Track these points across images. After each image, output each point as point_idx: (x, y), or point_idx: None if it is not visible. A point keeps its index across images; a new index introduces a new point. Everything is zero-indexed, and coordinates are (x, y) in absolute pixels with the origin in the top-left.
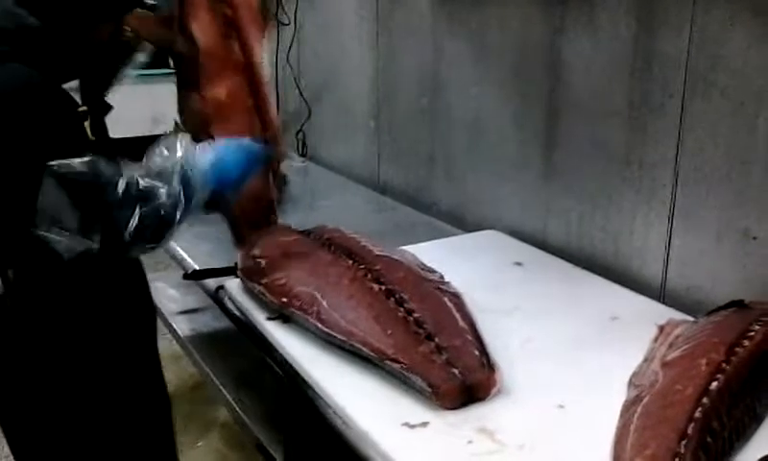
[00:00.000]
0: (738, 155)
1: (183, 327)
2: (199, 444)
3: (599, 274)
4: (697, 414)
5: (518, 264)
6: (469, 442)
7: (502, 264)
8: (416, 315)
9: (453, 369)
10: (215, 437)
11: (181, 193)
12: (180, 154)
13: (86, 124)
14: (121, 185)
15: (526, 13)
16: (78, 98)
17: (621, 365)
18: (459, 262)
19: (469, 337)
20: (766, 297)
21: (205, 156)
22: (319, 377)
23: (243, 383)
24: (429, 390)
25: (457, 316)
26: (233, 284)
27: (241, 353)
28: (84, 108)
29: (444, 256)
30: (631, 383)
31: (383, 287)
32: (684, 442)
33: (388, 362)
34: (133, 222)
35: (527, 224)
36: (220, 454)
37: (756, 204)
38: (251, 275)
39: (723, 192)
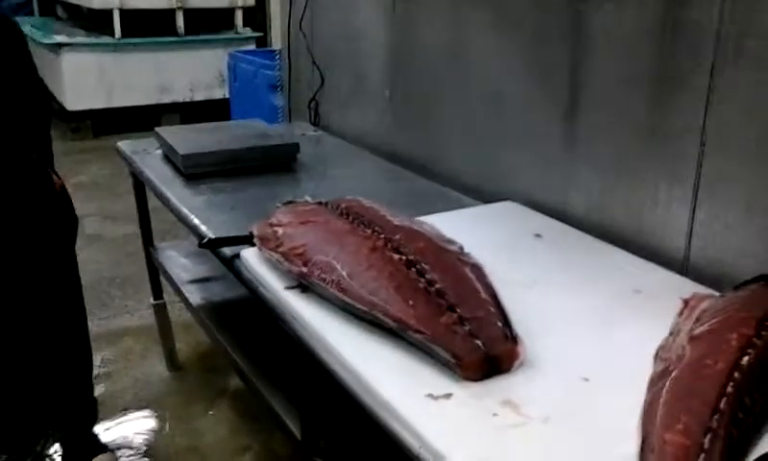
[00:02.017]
0: (765, 127)
1: (195, 295)
2: (210, 412)
3: (621, 246)
4: (729, 389)
5: (538, 236)
6: (494, 414)
7: (521, 235)
8: (437, 286)
9: (476, 340)
10: (226, 406)
11: None
12: None
13: None
14: None
15: None
16: None
17: (646, 338)
18: (477, 233)
19: (492, 309)
20: None
21: None
22: (339, 348)
23: (257, 352)
24: (453, 361)
25: (479, 287)
26: (250, 253)
27: (255, 323)
28: None
29: (461, 227)
30: (657, 357)
31: (403, 257)
32: (716, 416)
33: (410, 333)
34: None
35: (547, 195)
36: (232, 423)
37: None
38: (267, 243)
39: (752, 164)
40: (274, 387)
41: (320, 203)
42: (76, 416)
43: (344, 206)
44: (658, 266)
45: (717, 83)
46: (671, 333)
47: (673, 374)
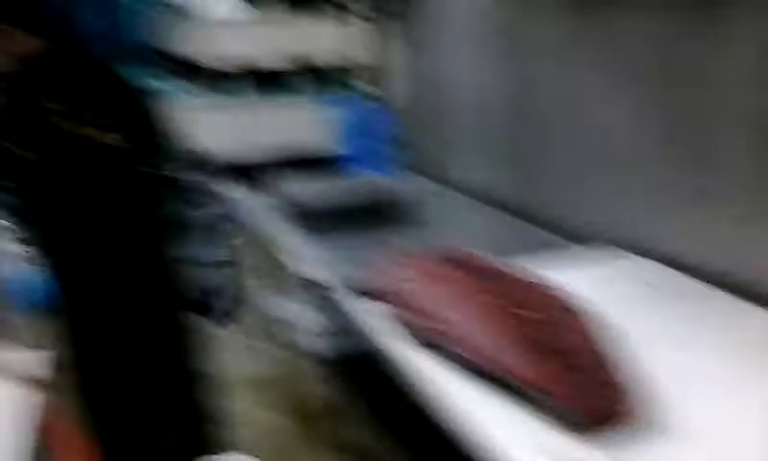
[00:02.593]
0: None
1: (316, 346)
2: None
3: (746, 299)
4: None
5: (653, 287)
6: None
7: (633, 286)
8: (560, 344)
9: (598, 398)
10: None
11: None
12: None
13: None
14: None
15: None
16: None
17: None
18: (594, 286)
19: (613, 366)
20: None
21: None
22: (458, 403)
23: (378, 408)
24: (574, 418)
25: (599, 344)
26: (373, 307)
27: (376, 377)
28: None
29: (579, 279)
30: None
31: (522, 313)
32: None
33: (533, 391)
34: None
35: (662, 244)
36: None
37: None
38: (390, 296)
39: None
40: (388, 440)
41: (438, 256)
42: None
43: (463, 259)
44: None
45: None
46: None
47: None
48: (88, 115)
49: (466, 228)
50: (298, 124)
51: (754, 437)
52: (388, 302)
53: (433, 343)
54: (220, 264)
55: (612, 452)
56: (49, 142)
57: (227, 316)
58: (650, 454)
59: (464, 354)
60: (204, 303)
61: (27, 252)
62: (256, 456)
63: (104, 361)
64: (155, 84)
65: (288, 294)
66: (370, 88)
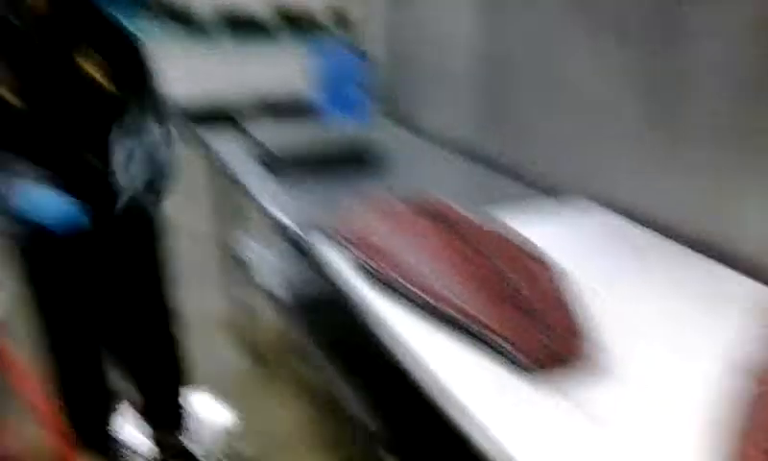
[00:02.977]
0: None
1: (280, 288)
2: (288, 404)
3: (706, 254)
4: None
5: (619, 239)
6: (563, 413)
7: (597, 237)
8: (514, 285)
9: (548, 339)
10: (305, 399)
11: None
12: None
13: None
14: None
15: None
16: None
17: (725, 349)
18: (556, 234)
19: (564, 307)
20: None
21: None
22: (412, 340)
23: (336, 348)
24: (524, 358)
25: (555, 288)
26: (330, 247)
27: (336, 317)
28: None
29: (541, 228)
30: (750, 375)
31: (478, 255)
32: None
33: (485, 329)
34: None
35: (632, 199)
36: (308, 417)
37: None
38: (349, 238)
39: None
40: (347, 380)
41: (402, 200)
42: (163, 376)
43: (426, 204)
44: (747, 277)
45: None
46: (757, 347)
47: (761, 392)
48: (91, 54)
49: (435, 176)
50: (274, 70)
51: (693, 381)
52: (352, 245)
53: (393, 285)
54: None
55: (559, 392)
56: (70, 81)
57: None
58: (596, 394)
59: (422, 296)
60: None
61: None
62: (219, 395)
63: (65, 297)
64: (138, 26)
65: (257, 236)
66: (346, 37)
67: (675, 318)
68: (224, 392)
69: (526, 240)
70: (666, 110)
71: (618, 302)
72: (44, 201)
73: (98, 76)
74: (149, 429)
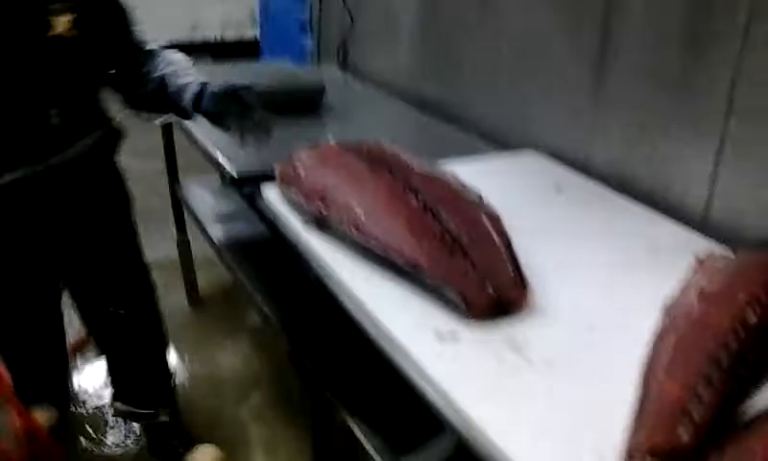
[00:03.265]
0: None
1: (217, 232)
2: (227, 345)
3: (642, 201)
4: (732, 345)
5: (556, 186)
6: (500, 356)
7: (540, 186)
8: (452, 230)
9: (486, 284)
10: (243, 340)
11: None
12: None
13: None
14: None
15: None
16: None
17: (656, 293)
18: (497, 182)
19: (504, 255)
20: None
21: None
22: (352, 285)
23: (276, 290)
24: (462, 303)
25: (493, 234)
26: (271, 191)
27: (274, 260)
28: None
29: (481, 175)
30: (665, 312)
31: (421, 201)
32: (715, 370)
33: (422, 274)
34: None
35: (571, 147)
36: (247, 357)
37: None
38: (289, 181)
39: None
40: (287, 322)
41: (342, 145)
42: (156, 398)
43: (366, 149)
44: (676, 223)
45: (750, 40)
46: (682, 290)
47: (679, 328)
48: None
49: (382, 123)
50: (216, 10)
51: (628, 324)
52: (290, 186)
53: (328, 224)
54: None
55: (485, 331)
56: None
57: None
58: (520, 334)
59: (355, 235)
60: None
61: None
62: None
63: None
64: None
65: (203, 181)
66: None
67: (610, 263)
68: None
69: (467, 186)
70: (599, 61)
71: (553, 247)
72: None
73: (65, 28)
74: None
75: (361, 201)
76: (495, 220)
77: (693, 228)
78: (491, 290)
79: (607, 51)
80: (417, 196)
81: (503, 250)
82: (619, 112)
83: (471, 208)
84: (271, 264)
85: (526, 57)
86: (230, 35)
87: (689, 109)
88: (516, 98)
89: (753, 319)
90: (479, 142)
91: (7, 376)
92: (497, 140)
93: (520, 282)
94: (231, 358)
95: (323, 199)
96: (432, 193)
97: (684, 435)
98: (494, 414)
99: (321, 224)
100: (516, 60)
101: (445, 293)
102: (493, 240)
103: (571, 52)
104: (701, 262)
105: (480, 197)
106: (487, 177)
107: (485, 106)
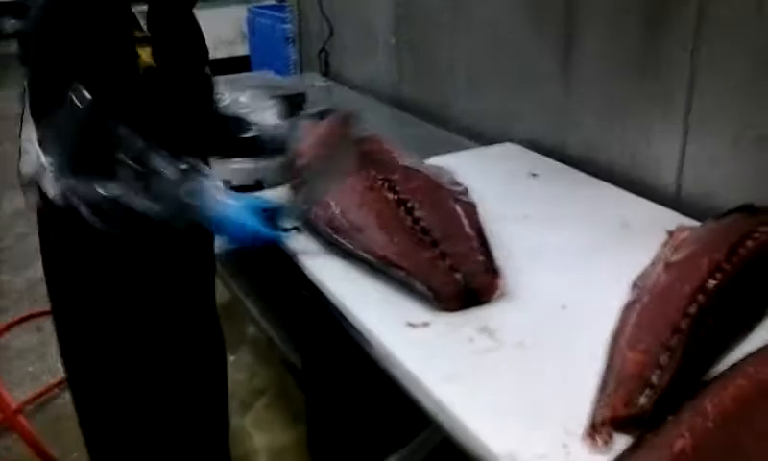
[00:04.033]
0: (755, 59)
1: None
2: (231, 359)
3: (616, 184)
4: (691, 310)
5: (534, 175)
6: (470, 340)
7: (518, 175)
8: (422, 223)
9: (456, 274)
10: (245, 352)
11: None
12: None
13: (146, 50)
14: None
15: None
16: (143, 23)
17: (628, 270)
18: (475, 173)
19: (475, 244)
20: None
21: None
22: (327, 283)
23: (270, 300)
24: (431, 294)
25: (465, 223)
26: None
27: (269, 269)
28: (146, 33)
29: (460, 169)
30: (634, 285)
31: (396, 196)
32: (676, 336)
33: (392, 268)
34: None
35: (546, 136)
36: (250, 369)
37: None
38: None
39: (738, 98)
40: (278, 326)
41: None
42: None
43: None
44: (649, 201)
45: (705, 19)
46: (652, 263)
47: (644, 299)
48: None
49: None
50: (209, 34)
51: (601, 302)
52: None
53: (310, 224)
54: None
55: (456, 319)
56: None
57: None
58: (491, 318)
59: (329, 232)
60: None
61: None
62: None
63: None
64: None
65: None
66: None
67: (584, 244)
68: None
69: (450, 178)
70: (566, 49)
71: (528, 231)
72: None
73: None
74: None
75: (338, 199)
76: (471, 210)
77: (667, 206)
78: (459, 280)
79: (572, 40)
80: (393, 191)
81: (475, 239)
82: (589, 98)
83: (446, 200)
84: (266, 274)
85: (498, 53)
86: (222, 53)
87: (655, 90)
88: (491, 94)
89: (712, 283)
90: (459, 139)
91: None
92: (477, 136)
93: (491, 269)
94: (234, 371)
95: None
96: (409, 187)
97: (645, 403)
98: (460, 392)
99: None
100: (488, 57)
101: (415, 285)
102: (465, 230)
103: (539, 43)
104: (671, 235)
105: (459, 188)
106: (466, 170)
107: (462, 103)
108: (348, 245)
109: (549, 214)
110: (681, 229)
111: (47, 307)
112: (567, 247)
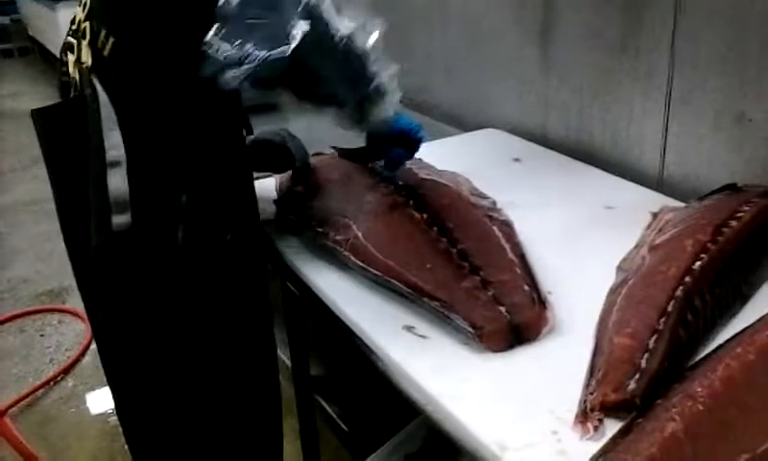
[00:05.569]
0: (735, 36)
1: None
2: None
3: (599, 166)
4: (678, 292)
5: (516, 160)
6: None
7: (500, 160)
8: (460, 246)
9: (499, 307)
10: None
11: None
12: None
13: None
14: None
15: None
16: None
17: (612, 252)
18: (457, 160)
19: (519, 271)
20: (762, 180)
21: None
22: (327, 290)
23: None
24: (472, 330)
25: (506, 247)
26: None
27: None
28: None
29: (442, 156)
30: (619, 269)
31: (425, 215)
32: (663, 319)
33: (426, 299)
34: None
35: (527, 120)
36: None
37: (751, 86)
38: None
39: (719, 75)
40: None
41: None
42: None
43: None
44: (632, 183)
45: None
46: (636, 246)
47: (629, 282)
48: None
49: None
50: None
51: (587, 286)
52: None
53: (324, 247)
54: None
55: None
56: None
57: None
58: None
59: (352, 258)
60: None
61: None
62: None
63: None
64: None
65: None
66: None
67: (568, 229)
68: None
69: (462, 184)
70: (544, 29)
71: (512, 217)
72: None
73: None
74: None
75: (360, 220)
76: (509, 231)
77: (651, 187)
78: (505, 314)
79: (550, 20)
80: (421, 209)
81: (518, 265)
82: (569, 80)
83: (482, 219)
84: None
85: (476, 37)
86: None
87: (635, 70)
88: (471, 79)
89: (698, 264)
90: (440, 126)
91: None
92: (458, 122)
93: (538, 301)
94: None
95: (320, 220)
96: (438, 205)
97: (635, 387)
98: (448, 380)
99: (323, 248)
100: (466, 42)
101: (453, 319)
102: (507, 254)
103: (516, 25)
104: (654, 216)
105: (494, 204)
106: (448, 157)
107: (442, 89)
108: (376, 272)
109: (532, 199)
110: (665, 210)
111: (29, 308)
112: (551, 231)
